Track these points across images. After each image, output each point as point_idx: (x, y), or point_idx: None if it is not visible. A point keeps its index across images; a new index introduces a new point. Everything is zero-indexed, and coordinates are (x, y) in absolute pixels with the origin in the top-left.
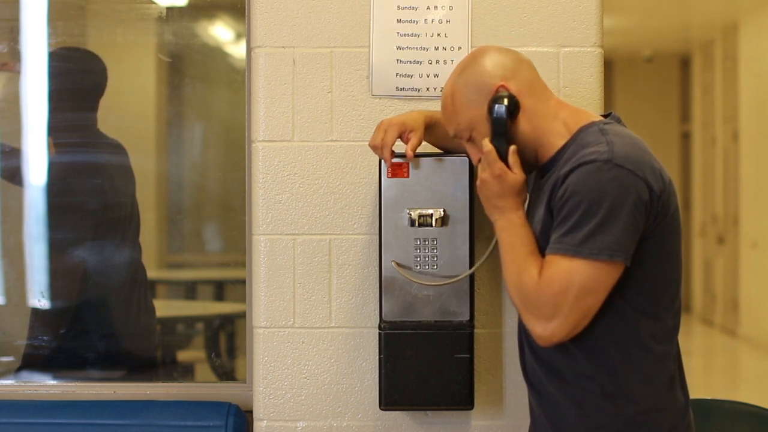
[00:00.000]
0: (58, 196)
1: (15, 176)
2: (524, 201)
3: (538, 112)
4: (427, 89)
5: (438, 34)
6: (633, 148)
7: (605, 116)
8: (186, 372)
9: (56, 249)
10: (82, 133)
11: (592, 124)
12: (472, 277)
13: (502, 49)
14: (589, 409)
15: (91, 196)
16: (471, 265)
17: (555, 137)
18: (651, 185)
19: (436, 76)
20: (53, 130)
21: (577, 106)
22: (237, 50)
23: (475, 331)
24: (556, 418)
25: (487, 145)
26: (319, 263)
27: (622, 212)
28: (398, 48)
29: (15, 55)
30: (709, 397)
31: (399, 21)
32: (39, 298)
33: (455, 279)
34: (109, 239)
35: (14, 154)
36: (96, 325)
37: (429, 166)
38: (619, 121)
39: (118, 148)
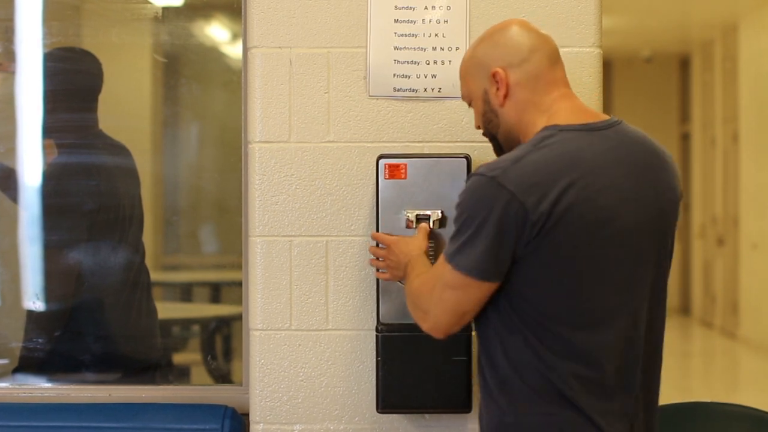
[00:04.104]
0: (54, 197)
1: (9, 189)
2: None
3: (530, 105)
4: (425, 90)
5: (436, 35)
6: (534, 167)
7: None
8: (182, 375)
9: (51, 251)
10: (80, 134)
11: (553, 127)
12: None
13: (527, 29)
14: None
15: (87, 197)
16: None
17: (533, 130)
18: (528, 209)
19: (433, 76)
20: (50, 130)
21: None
22: (233, 50)
23: (473, 333)
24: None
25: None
26: (316, 265)
27: (489, 231)
28: (396, 48)
29: (10, 55)
30: (708, 400)
31: (396, 21)
32: (34, 301)
33: None
34: (107, 241)
35: (10, 173)
36: (92, 327)
37: (426, 168)
38: (611, 126)
39: (119, 149)
